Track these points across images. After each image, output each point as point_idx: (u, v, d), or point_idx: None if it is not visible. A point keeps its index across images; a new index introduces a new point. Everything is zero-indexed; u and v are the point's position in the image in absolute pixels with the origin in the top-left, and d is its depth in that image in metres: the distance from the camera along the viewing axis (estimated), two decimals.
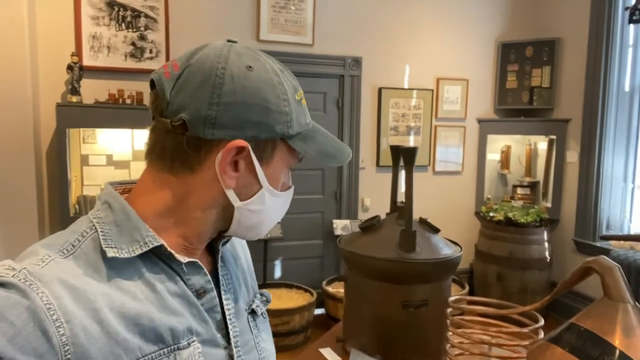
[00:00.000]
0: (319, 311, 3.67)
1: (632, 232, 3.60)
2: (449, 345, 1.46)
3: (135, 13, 3.30)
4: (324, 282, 3.74)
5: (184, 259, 0.61)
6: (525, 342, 1.35)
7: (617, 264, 1.07)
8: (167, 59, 3.37)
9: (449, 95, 4.20)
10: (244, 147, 0.59)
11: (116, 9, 3.25)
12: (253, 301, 0.74)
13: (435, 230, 2.01)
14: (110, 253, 0.56)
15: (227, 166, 0.60)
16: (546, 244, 3.75)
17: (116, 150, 3.26)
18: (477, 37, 4.23)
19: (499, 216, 3.84)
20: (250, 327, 0.70)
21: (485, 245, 3.89)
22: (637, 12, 3.38)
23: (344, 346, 1.93)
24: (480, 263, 3.93)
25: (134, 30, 3.30)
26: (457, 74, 4.21)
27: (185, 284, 0.61)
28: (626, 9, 3.47)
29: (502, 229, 3.79)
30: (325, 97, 3.87)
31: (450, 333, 1.46)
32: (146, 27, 3.33)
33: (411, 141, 4.11)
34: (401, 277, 1.77)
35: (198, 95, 0.58)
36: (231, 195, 0.61)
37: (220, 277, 0.67)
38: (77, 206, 3.09)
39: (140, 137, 3.28)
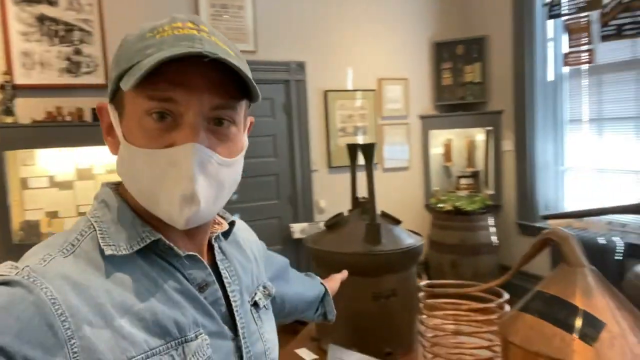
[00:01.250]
0: None
1: (567, 211, 3.89)
2: (424, 328, 1.53)
3: (68, 27, 3.16)
4: None
5: (183, 252, 0.60)
6: (493, 316, 1.44)
7: (571, 233, 1.18)
8: (106, 72, 3.25)
9: (391, 94, 4.36)
10: (103, 107, 0.62)
11: (47, 24, 3.10)
12: (255, 293, 0.74)
13: (397, 221, 2.09)
14: (108, 251, 0.56)
15: (105, 131, 0.63)
16: (492, 229, 3.97)
17: (59, 171, 3.09)
18: (412, 38, 4.42)
19: (448, 206, 4.02)
20: (254, 318, 0.70)
21: (438, 236, 4.06)
22: (554, 8, 3.68)
23: (319, 345, 1.96)
24: (435, 253, 4.10)
25: (68, 44, 3.16)
26: (397, 74, 4.37)
27: (186, 279, 0.61)
28: (544, 5, 3.78)
29: (451, 219, 3.97)
30: (272, 103, 3.89)
31: (425, 316, 1.53)
32: (81, 41, 3.19)
33: (360, 140, 4.22)
34: (369, 269, 1.83)
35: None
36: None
37: (222, 270, 0.68)
38: (21, 232, 2.90)
39: (84, 155, 3.13)
